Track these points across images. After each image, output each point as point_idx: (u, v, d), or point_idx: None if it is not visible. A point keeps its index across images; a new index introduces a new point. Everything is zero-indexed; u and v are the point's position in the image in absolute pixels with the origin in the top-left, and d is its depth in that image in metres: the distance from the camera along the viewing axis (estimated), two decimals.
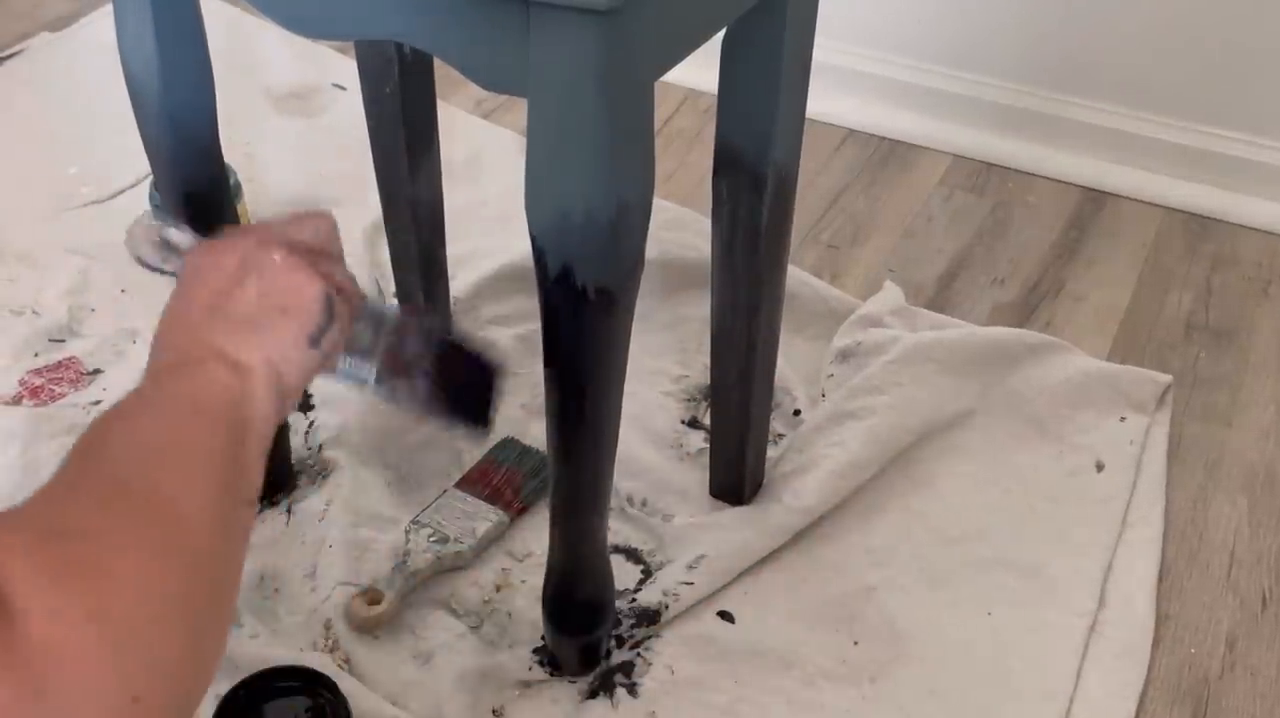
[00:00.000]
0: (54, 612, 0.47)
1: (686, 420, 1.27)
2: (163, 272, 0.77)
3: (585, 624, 1.00)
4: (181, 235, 0.78)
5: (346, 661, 1.02)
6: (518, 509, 1.15)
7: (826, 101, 1.67)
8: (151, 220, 0.78)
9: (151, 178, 1.45)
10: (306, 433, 1.22)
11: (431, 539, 1.10)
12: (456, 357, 0.84)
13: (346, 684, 0.96)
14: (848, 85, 1.75)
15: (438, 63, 0.81)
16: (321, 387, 1.27)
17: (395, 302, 1.32)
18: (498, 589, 1.09)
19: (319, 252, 0.73)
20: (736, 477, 1.16)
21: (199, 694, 0.55)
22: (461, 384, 0.84)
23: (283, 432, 1.13)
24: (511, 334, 1.34)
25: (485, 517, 1.12)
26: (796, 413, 1.28)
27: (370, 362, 0.79)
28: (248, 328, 0.66)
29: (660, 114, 1.76)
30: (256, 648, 1.01)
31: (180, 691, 0.53)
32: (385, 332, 0.80)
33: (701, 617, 1.07)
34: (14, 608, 0.46)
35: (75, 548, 0.50)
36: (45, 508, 0.53)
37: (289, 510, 1.14)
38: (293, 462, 1.18)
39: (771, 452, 1.20)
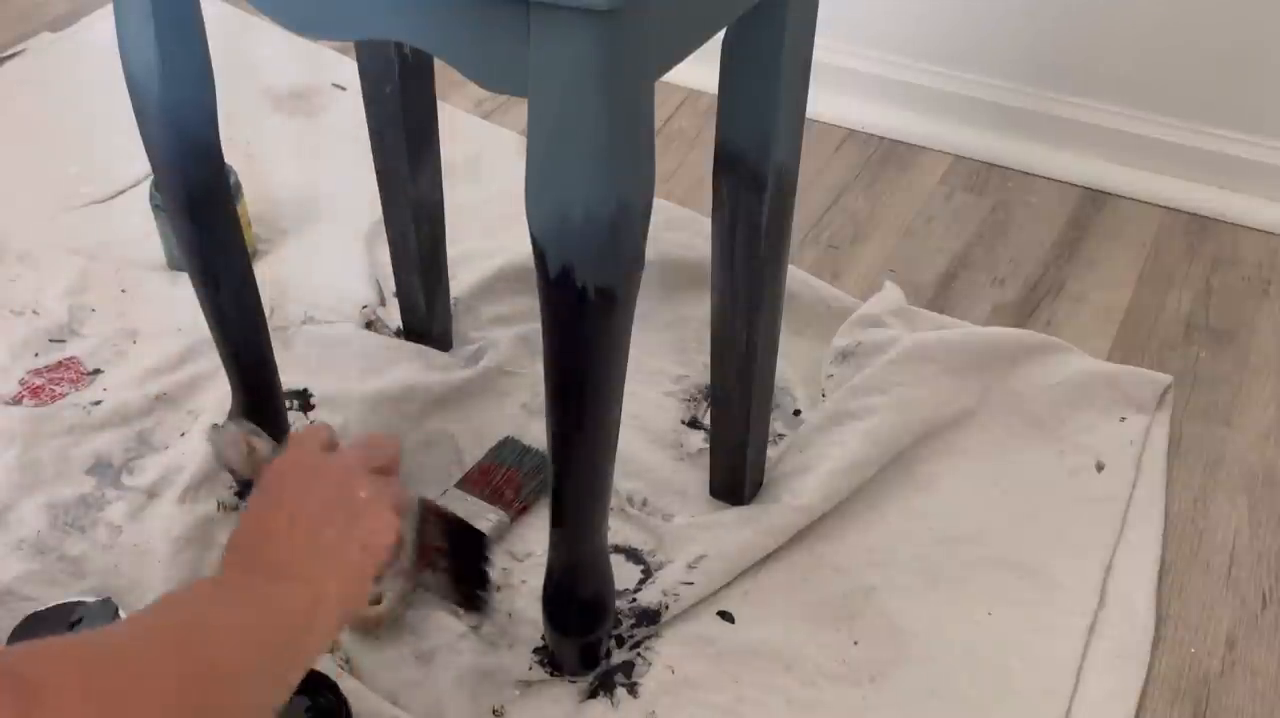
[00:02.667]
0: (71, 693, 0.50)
1: (687, 420, 1.27)
2: (245, 482, 0.87)
3: (585, 624, 1.00)
4: (264, 444, 0.86)
5: (347, 661, 1.02)
6: (518, 509, 1.15)
7: (827, 101, 1.67)
8: (235, 428, 0.87)
9: (152, 178, 1.45)
10: None
11: None
12: (461, 543, 0.88)
13: (347, 685, 0.97)
14: (848, 85, 1.75)
15: (438, 63, 0.81)
16: (322, 386, 1.27)
17: (397, 306, 1.32)
18: (498, 589, 1.09)
19: (387, 474, 0.80)
20: (736, 477, 1.16)
21: None
22: (470, 563, 0.88)
23: (283, 431, 1.13)
24: (511, 334, 1.34)
25: (485, 517, 1.12)
26: (797, 413, 1.28)
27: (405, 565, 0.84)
28: (332, 560, 0.72)
29: (660, 114, 1.76)
30: None
31: None
32: (414, 527, 0.84)
33: (701, 617, 1.07)
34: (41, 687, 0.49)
35: (114, 672, 0.54)
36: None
37: None
38: None
39: (771, 452, 1.20)
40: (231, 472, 0.87)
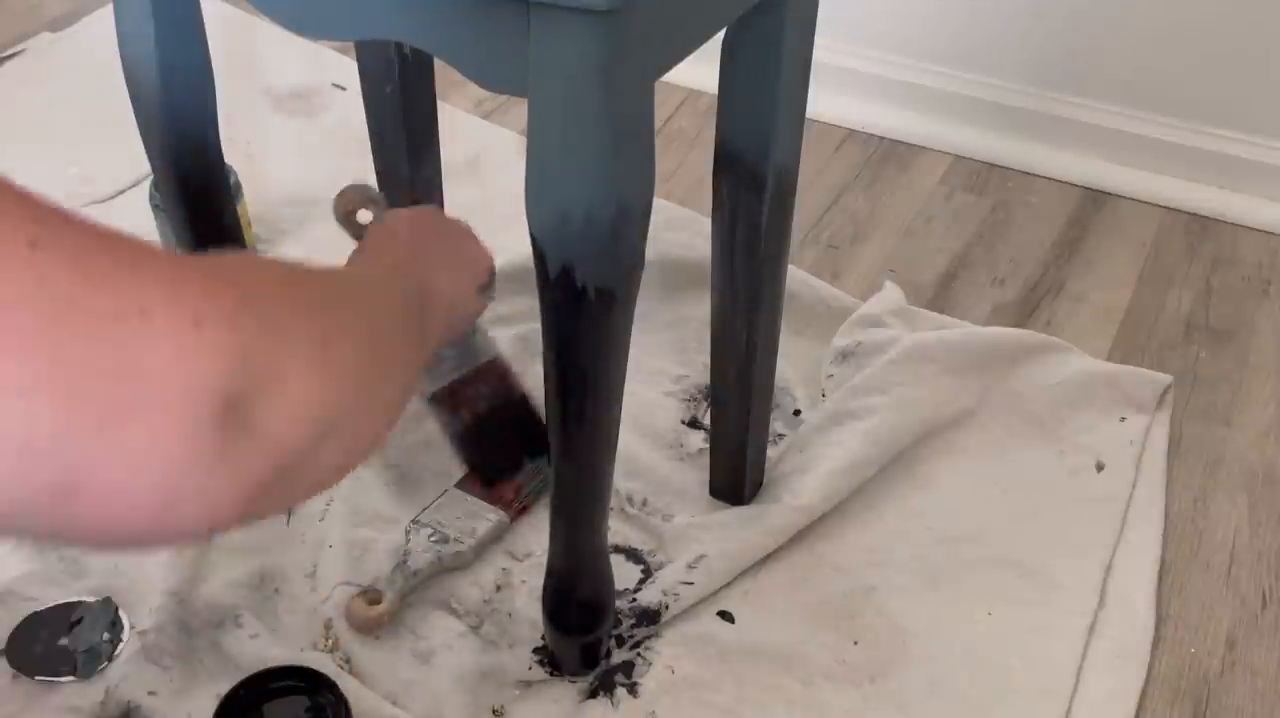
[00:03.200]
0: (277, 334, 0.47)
1: (686, 420, 1.27)
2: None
3: (585, 624, 1.00)
4: (376, 209, 0.91)
5: (347, 660, 1.02)
6: (518, 509, 1.15)
7: (827, 101, 1.67)
8: (351, 190, 0.93)
9: (152, 178, 1.45)
10: None
11: (432, 539, 1.10)
12: (508, 417, 0.91)
13: (346, 684, 0.97)
14: (848, 85, 1.75)
15: (438, 63, 0.81)
16: None
17: None
18: (498, 589, 1.09)
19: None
20: (736, 477, 1.16)
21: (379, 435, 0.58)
22: (497, 441, 0.90)
23: None
24: (511, 334, 1.34)
25: (485, 517, 1.12)
26: (796, 413, 1.28)
27: (434, 379, 0.87)
28: (440, 266, 0.79)
29: (660, 114, 1.76)
30: (257, 648, 1.01)
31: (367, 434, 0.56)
32: (464, 366, 0.88)
33: (701, 617, 1.07)
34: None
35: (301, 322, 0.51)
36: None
37: (289, 511, 1.14)
38: None
39: (771, 452, 1.20)
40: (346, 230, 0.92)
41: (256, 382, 0.43)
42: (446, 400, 0.89)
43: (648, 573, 1.10)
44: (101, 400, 0.38)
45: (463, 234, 0.87)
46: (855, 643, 1.06)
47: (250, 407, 0.43)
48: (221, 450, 0.42)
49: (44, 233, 0.38)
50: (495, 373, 0.90)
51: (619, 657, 1.04)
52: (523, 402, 0.92)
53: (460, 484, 1.16)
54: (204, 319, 0.41)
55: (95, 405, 0.38)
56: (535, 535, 1.13)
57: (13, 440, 0.36)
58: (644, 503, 1.18)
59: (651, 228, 0.79)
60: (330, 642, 1.03)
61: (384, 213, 0.89)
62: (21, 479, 0.37)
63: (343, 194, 0.92)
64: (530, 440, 0.91)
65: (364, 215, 0.91)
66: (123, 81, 0.92)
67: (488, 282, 0.86)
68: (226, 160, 1.00)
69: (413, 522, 1.11)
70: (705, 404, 1.27)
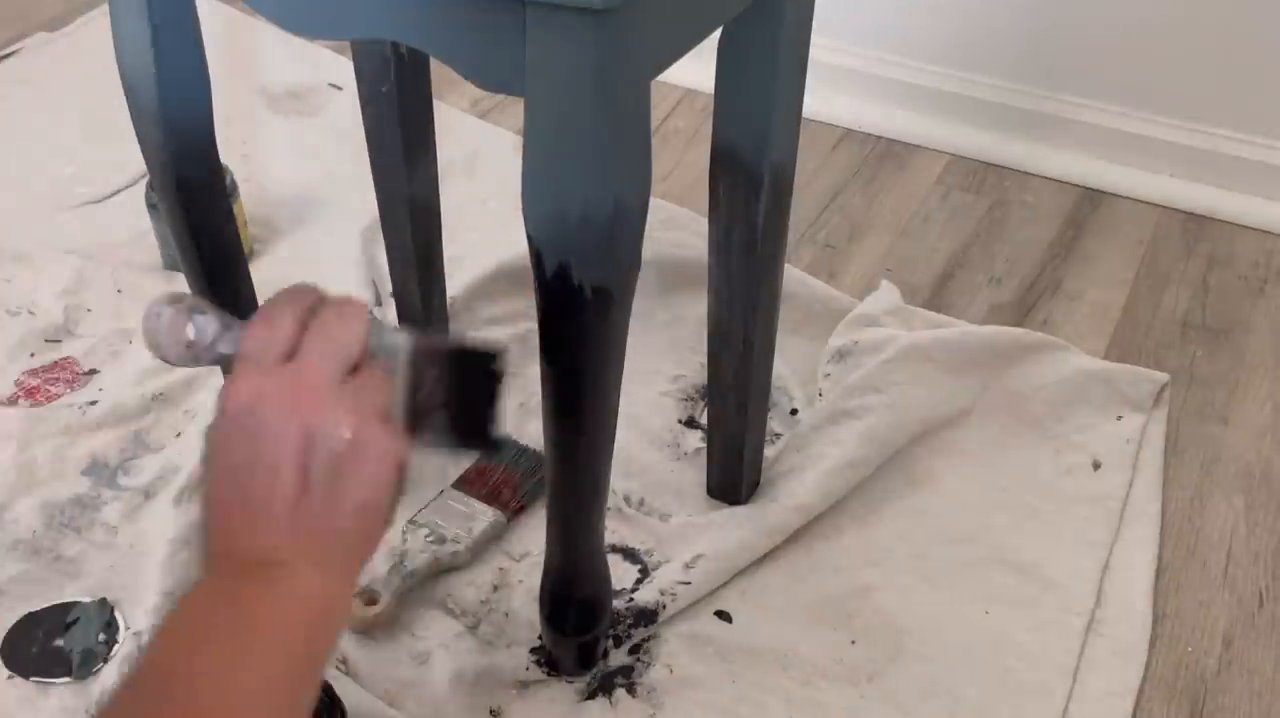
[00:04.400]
0: None
1: (684, 420, 1.27)
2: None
3: (583, 624, 1.00)
4: (205, 328, 0.67)
5: (343, 661, 1.02)
6: (515, 509, 1.15)
7: (823, 101, 1.67)
8: (165, 310, 0.67)
9: (147, 178, 1.45)
10: None
11: (428, 539, 1.10)
12: (465, 371, 0.73)
13: (343, 685, 0.96)
14: (845, 84, 1.75)
15: (434, 62, 0.81)
16: None
17: (394, 306, 1.32)
18: (495, 589, 1.09)
19: (359, 366, 0.63)
20: (734, 476, 1.16)
21: None
22: (473, 402, 0.73)
23: None
24: (508, 334, 1.34)
25: (482, 517, 1.12)
26: (794, 412, 1.28)
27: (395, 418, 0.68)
28: (331, 533, 0.60)
29: (657, 113, 1.76)
30: None
31: None
32: (403, 368, 0.69)
33: (699, 616, 1.07)
34: None
35: None
36: None
37: None
38: None
39: (769, 451, 1.20)
40: (165, 359, 0.68)
41: None
42: (411, 418, 0.70)
43: (645, 573, 1.10)
44: None
45: (349, 454, 0.60)
46: (853, 642, 1.06)
47: None
48: None
49: None
50: (426, 352, 0.71)
51: (616, 657, 1.04)
52: (464, 353, 0.74)
53: (457, 484, 1.16)
54: None
55: None
56: (532, 535, 1.13)
57: None
58: (641, 503, 1.18)
59: (648, 227, 0.79)
60: None
61: (210, 348, 0.66)
62: None
63: (155, 317, 0.67)
64: (483, 365, 0.73)
65: (196, 333, 0.66)
66: (118, 81, 0.91)
67: (399, 491, 0.63)
68: (223, 160, 0.99)
69: (409, 522, 1.11)
70: (702, 404, 1.27)
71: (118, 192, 1.60)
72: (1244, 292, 1.48)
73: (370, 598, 1.04)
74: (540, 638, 1.03)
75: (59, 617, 1.04)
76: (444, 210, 1.26)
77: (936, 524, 1.16)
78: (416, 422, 0.69)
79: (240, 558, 0.60)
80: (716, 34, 0.86)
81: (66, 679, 1.00)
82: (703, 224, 1.02)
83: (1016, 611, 1.09)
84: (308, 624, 0.59)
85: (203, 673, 0.55)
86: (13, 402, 1.26)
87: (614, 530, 1.13)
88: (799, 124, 0.96)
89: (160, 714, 0.54)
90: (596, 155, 0.71)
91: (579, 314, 0.78)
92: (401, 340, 0.68)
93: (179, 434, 1.23)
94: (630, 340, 0.84)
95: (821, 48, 1.04)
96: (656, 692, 1.01)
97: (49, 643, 1.02)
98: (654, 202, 0.80)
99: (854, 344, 1.32)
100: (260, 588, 0.59)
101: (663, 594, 1.06)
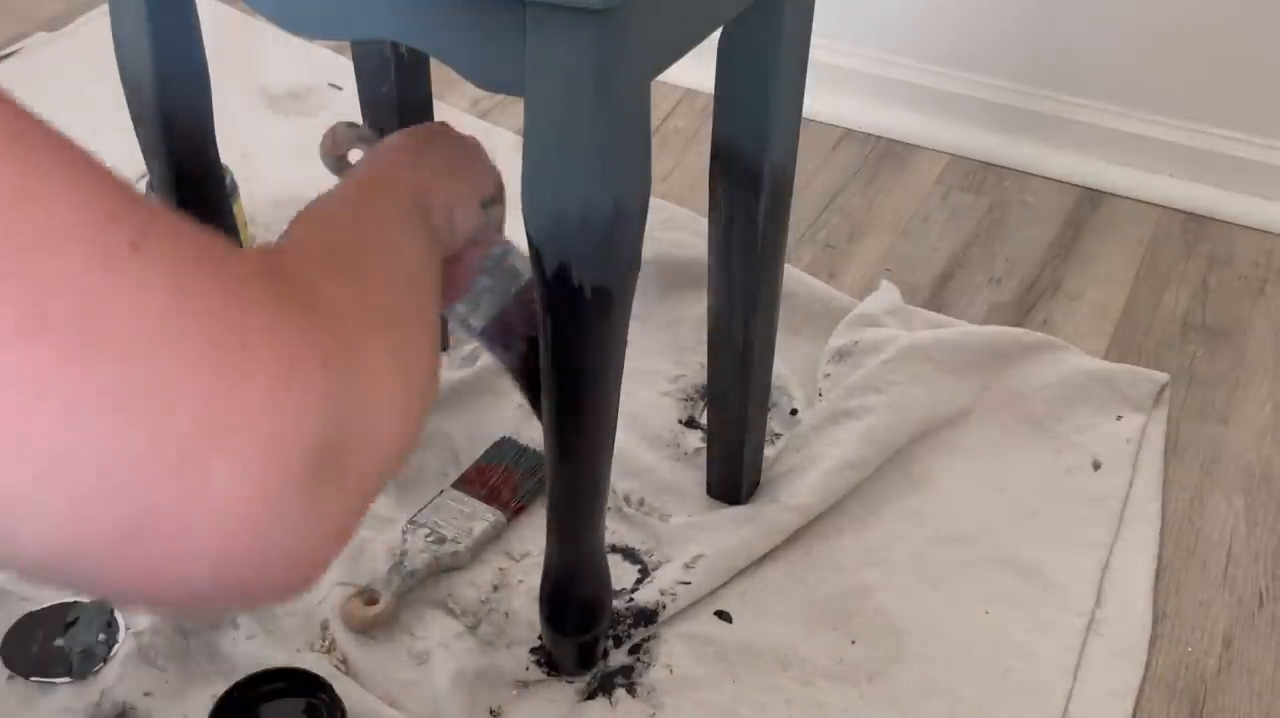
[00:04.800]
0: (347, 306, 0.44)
1: (684, 420, 1.27)
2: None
3: (582, 624, 1.00)
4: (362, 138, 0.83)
5: (343, 661, 1.02)
6: (515, 509, 1.15)
7: (823, 101, 1.67)
8: (345, 127, 0.84)
9: (147, 178, 1.44)
10: None
11: (429, 539, 1.10)
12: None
13: (343, 685, 0.96)
14: (845, 84, 1.75)
15: (434, 62, 0.81)
16: None
17: None
18: (495, 589, 1.09)
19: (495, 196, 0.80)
20: (734, 476, 1.15)
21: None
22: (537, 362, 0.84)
23: None
24: None
25: (482, 517, 1.12)
26: (793, 412, 1.28)
27: (481, 312, 0.82)
28: (436, 176, 0.73)
29: (657, 113, 1.76)
30: (253, 649, 1.01)
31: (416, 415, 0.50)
32: (509, 289, 0.82)
33: (699, 616, 1.07)
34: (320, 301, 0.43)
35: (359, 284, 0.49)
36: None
37: None
38: None
39: (769, 451, 1.20)
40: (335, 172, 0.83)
41: (349, 432, 0.39)
42: (499, 335, 0.82)
43: (645, 573, 1.10)
44: (185, 432, 0.33)
45: (468, 148, 0.79)
46: (853, 642, 1.06)
47: (342, 457, 0.39)
48: (308, 509, 0.37)
49: (148, 236, 0.34)
50: (533, 286, 0.82)
51: (616, 657, 1.03)
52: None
53: (457, 484, 1.16)
54: (299, 362, 0.37)
55: (177, 436, 0.33)
56: (532, 535, 1.13)
57: (95, 460, 0.32)
58: (641, 503, 1.18)
59: (648, 227, 0.79)
60: (327, 643, 1.03)
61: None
62: (92, 510, 0.32)
63: (332, 132, 0.82)
64: None
65: (356, 157, 0.81)
66: (118, 81, 0.91)
67: (494, 195, 0.79)
68: (223, 160, 0.99)
69: (409, 522, 1.11)
70: (702, 404, 1.27)
71: None
72: (1244, 292, 1.48)
73: (370, 598, 1.04)
74: (540, 638, 1.03)
75: (59, 616, 1.04)
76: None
77: (936, 524, 1.16)
78: (501, 328, 0.81)
79: (369, 179, 0.70)
80: (716, 34, 0.86)
81: (66, 679, 1.00)
82: (703, 224, 1.02)
83: (1016, 611, 1.09)
84: (433, 256, 0.67)
85: (391, 220, 0.63)
86: None
87: (614, 530, 1.13)
88: (799, 124, 0.96)
89: (361, 236, 0.59)
90: (596, 155, 0.71)
91: (579, 314, 0.78)
92: (525, 272, 0.81)
93: None
94: (630, 340, 0.84)
95: (821, 48, 1.04)
96: (656, 692, 1.01)
97: (49, 643, 1.02)
98: (654, 202, 0.80)
99: (854, 344, 1.32)
100: (377, 186, 0.69)
101: (663, 594, 1.06)
